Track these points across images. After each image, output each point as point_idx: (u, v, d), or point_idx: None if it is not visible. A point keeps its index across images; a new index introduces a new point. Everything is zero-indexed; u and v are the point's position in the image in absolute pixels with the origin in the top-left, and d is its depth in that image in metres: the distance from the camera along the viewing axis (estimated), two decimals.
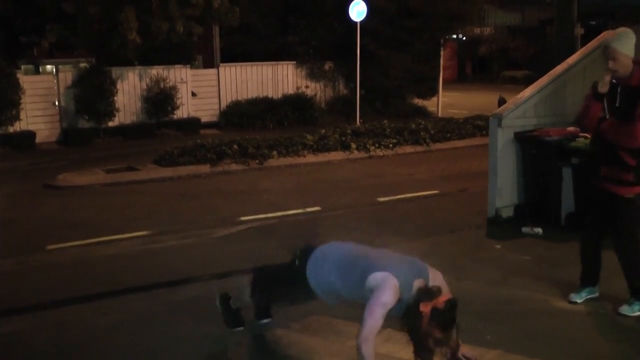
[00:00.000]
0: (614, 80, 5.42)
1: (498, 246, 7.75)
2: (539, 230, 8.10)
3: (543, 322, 5.54)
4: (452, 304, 4.17)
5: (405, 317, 4.24)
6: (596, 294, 5.93)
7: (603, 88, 5.41)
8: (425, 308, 4.11)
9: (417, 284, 4.31)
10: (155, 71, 19.89)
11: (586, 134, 7.71)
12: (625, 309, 5.53)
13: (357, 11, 19.11)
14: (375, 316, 4.16)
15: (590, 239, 5.84)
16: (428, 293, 4.20)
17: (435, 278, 4.49)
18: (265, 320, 5.48)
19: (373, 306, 4.19)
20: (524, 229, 8.17)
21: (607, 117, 5.45)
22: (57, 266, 7.80)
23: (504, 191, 8.52)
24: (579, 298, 5.90)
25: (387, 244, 7.94)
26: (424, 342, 4.16)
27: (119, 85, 19.09)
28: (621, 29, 5.53)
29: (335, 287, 4.61)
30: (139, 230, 9.16)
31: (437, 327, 4.09)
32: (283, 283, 5.00)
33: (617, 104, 5.40)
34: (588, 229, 5.90)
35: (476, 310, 5.75)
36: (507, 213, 8.57)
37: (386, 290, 4.20)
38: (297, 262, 4.84)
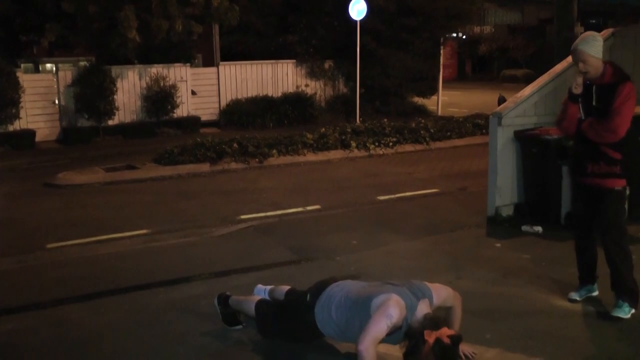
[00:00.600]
0: (587, 82, 5.56)
1: (498, 245, 7.75)
2: (538, 228, 8.10)
3: (543, 321, 5.55)
4: (456, 341, 4.20)
5: (407, 337, 4.26)
6: (596, 292, 5.95)
7: (577, 89, 5.58)
8: (429, 337, 4.14)
9: (423, 306, 4.37)
10: (155, 70, 19.90)
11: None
12: (617, 312, 5.51)
13: (357, 10, 19.10)
14: (380, 325, 4.18)
15: (581, 237, 5.90)
16: (434, 322, 4.23)
17: (439, 294, 4.55)
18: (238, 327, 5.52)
19: (378, 316, 4.22)
20: (524, 228, 8.18)
21: (583, 117, 5.58)
22: (57, 265, 7.81)
23: (504, 190, 8.52)
24: (579, 296, 5.93)
25: (387, 242, 7.97)
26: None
27: (118, 84, 19.11)
28: (588, 33, 5.70)
29: (342, 322, 4.61)
30: (139, 229, 9.17)
31: (436, 359, 4.13)
32: (289, 318, 5.01)
33: (594, 103, 5.54)
34: (577, 228, 5.96)
35: (476, 309, 5.75)
36: (507, 212, 8.58)
37: (391, 306, 4.24)
38: (308, 298, 4.88)
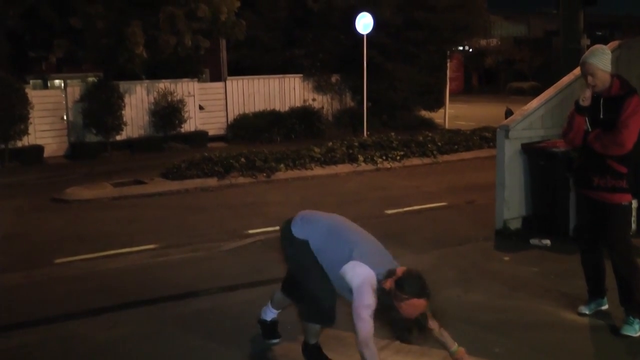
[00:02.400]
0: (595, 94, 5.54)
1: (506, 258, 7.72)
2: (547, 242, 8.08)
3: (552, 335, 5.52)
4: (410, 270, 4.37)
5: (378, 309, 4.33)
6: (605, 306, 5.91)
7: (585, 102, 5.55)
8: (388, 284, 4.27)
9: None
10: (162, 85, 19.99)
11: None
12: (627, 329, 5.46)
13: (364, 24, 19.15)
14: (364, 319, 4.28)
15: (588, 250, 5.86)
16: (388, 273, 4.35)
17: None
18: (275, 340, 5.45)
19: (359, 309, 4.31)
20: (532, 241, 8.16)
21: (590, 130, 5.57)
22: (64, 280, 7.81)
23: (512, 203, 8.50)
24: (588, 310, 5.90)
25: (395, 256, 7.91)
26: (398, 318, 4.27)
27: (126, 99, 19.19)
28: (597, 46, 5.70)
29: (320, 248, 4.70)
30: (147, 244, 9.17)
31: (403, 293, 4.22)
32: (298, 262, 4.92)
33: (601, 116, 5.52)
34: (583, 241, 5.93)
35: (484, 323, 5.74)
36: (515, 225, 8.55)
37: (366, 293, 4.32)
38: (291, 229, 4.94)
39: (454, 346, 4.73)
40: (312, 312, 4.87)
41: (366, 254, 4.53)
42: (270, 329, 5.45)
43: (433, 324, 4.57)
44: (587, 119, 5.59)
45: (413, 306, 4.25)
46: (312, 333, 4.99)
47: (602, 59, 5.46)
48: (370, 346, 4.26)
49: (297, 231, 4.86)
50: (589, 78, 5.49)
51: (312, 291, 4.76)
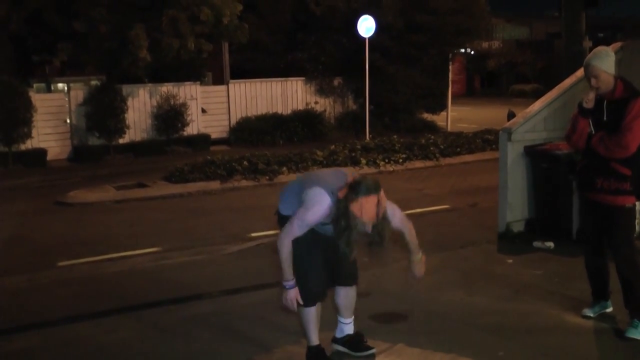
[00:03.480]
0: (598, 96, 5.53)
1: (509, 261, 7.72)
2: (550, 244, 8.07)
3: (556, 338, 5.51)
4: (359, 176, 4.61)
5: (334, 219, 4.50)
6: (610, 309, 5.90)
7: (588, 104, 5.54)
8: (342, 193, 4.47)
9: None
10: (165, 88, 20.00)
11: None
12: (631, 332, 5.43)
13: (366, 27, 19.15)
14: (293, 225, 4.57)
15: (592, 253, 5.85)
16: (341, 186, 4.53)
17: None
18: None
19: (297, 216, 4.57)
20: (535, 244, 8.15)
21: (593, 132, 5.56)
22: (67, 283, 7.82)
23: (515, 205, 8.49)
24: (592, 312, 5.88)
25: (398, 259, 7.91)
26: (358, 227, 4.43)
27: (129, 103, 19.20)
28: (600, 48, 5.69)
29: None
30: (149, 247, 9.18)
31: (354, 195, 4.41)
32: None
33: (604, 118, 5.51)
34: (587, 243, 5.92)
35: (488, 326, 5.73)
36: (518, 227, 8.54)
37: (308, 208, 4.54)
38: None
39: (418, 255, 5.08)
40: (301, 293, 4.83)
41: (319, 178, 4.73)
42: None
43: (403, 228, 4.99)
44: (590, 121, 5.59)
45: (366, 205, 4.41)
46: (309, 328, 4.96)
47: (605, 61, 5.45)
48: (283, 247, 4.58)
49: (282, 209, 4.94)
50: (593, 80, 5.48)
51: (299, 272, 4.76)
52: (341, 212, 4.45)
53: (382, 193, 4.50)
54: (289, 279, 4.66)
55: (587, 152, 5.69)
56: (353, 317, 5.23)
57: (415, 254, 5.08)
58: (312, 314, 4.92)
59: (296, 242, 4.67)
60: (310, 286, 4.80)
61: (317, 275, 4.84)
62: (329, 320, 5.22)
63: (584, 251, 5.98)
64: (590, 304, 5.94)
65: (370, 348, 5.20)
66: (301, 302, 4.76)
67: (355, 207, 4.41)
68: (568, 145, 6.20)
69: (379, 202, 4.47)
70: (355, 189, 4.45)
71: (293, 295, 4.68)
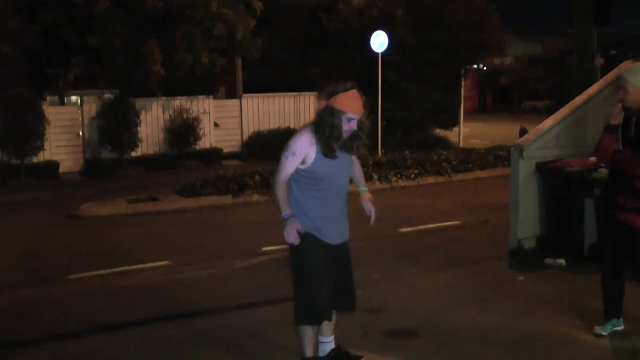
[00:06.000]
0: (629, 113, 5.46)
1: (521, 278, 7.68)
2: (561, 261, 8.03)
3: (566, 355, 5.48)
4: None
5: (319, 123, 4.70)
6: (621, 327, 5.86)
7: (615, 120, 5.49)
8: (321, 104, 4.72)
9: None
10: (178, 102, 20.10)
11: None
12: None
13: (379, 43, 19.21)
14: (281, 160, 4.73)
15: (609, 270, 5.79)
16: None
17: None
18: None
19: (283, 149, 4.75)
20: (547, 261, 8.11)
21: (621, 148, 5.49)
22: (78, 296, 7.84)
23: (526, 222, 8.45)
24: (604, 330, 5.83)
25: (409, 276, 7.94)
26: (338, 120, 4.63)
27: (142, 116, 19.30)
28: (637, 63, 5.64)
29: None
30: (161, 261, 9.19)
31: (335, 92, 4.66)
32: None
33: (631, 134, 5.45)
34: (605, 261, 5.85)
35: (499, 342, 5.70)
36: (530, 244, 8.50)
37: (292, 141, 4.72)
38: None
39: (364, 188, 5.25)
40: (303, 311, 4.87)
41: None
42: None
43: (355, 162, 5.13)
44: (619, 136, 5.50)
45: (348, 98, 4.64)
46: (305, 341, 4.98)
47: (638, 76, 5.40)
48: (277, 186, 4.75)
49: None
50: (621, 92, 5.42)
51: (310, 289, 4.79)
52: (326, 115, 4.63)
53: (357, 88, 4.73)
54: (286, 210, 4.73)
55: (612, 169, 5.64)
56: (334, 334, 5.21)
57: (363, 186, 5.31)
58: (311, 330, 4.97)
59: (310, 262, 4.74)
60: (320, 305, 4.81)
61: (326, 296, 4.83)
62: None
63: (602, 269, 5.90)
64: (601, 322, 5.89)
65: (359, 357, 5.21)
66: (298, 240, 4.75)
67: (338, 104, 4.62)
68: (595, 160, 6.10)
69: (360, 94, 4.70)
70: (331, 91, 4.68)
71: (292, 225, 4.70)
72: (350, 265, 5.08)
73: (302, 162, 4.70)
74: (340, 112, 4.61)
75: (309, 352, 5.03)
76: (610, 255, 5.77)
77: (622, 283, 5.77)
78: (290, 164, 4.70)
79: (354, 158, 5.09)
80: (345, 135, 4.69)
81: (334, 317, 5.11)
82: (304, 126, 4.79)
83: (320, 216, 4.80)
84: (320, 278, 4.79)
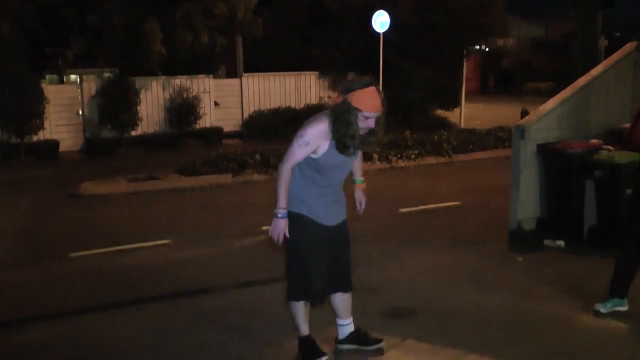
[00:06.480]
0: None
1: (520, 259, 7.70)
2: (561, 243, 8.04)
3: (564, 336, 5.49)
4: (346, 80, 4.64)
5: (335, 120, 4.53)
6: (625, 307, 5.83)
7: None
8: (339, 99, 4.55)
9: None
10: (178, 81, 20.03)
11: (609, 147, 7.69)
12: None
13: (380, 22, 19.11)
14: (293, 146, 4.61)
15: (630, 249, 5.75)
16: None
17: None
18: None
19: (296, 136, 4.63)
20: (546, 242, 8.12)
21: None
22: (79, 274, 7.86)
23: (526, 203, 8.45)
24: (604, 308, 5.81)
25: (409, 257, 7.94)
26: (354, 118, 4.48)
27: (142, 96, 19.25)
28: None
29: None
30: (161, 239, 9.20)
31: (353, 89, 4.51)
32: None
33: None
34: (631, 238, 5.79)
35: (497, 323, 5.72)
36: (529, 225, 8.50)
37: (307, 127, 4.61)
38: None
39: (361, 179, 5.16)
40: (296, 289, 4.89)
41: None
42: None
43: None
44: None
45: (367, 96, 4.48)
46: (298, 319, 4.99)
47: None
48: (282, 173, 4.61)
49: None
50: None
51: (303, 269, 4.81)
52: (343, 111, 4.50)
53: (377, 85, 4.57)
54: (282, 207, 4.65)
55: None
56: (351, 317, 5.22)
57: (358, 175, 5.21)
58: (301, 305, 4.95)
59: (305, 241, 4.73)
60: (313, 284, 4.82)
61: (320, 275, 4.84)
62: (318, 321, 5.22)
63: (624, 245, 5.85)
64: (603, 300, 5.87)
65: (379, 340, 5.20)
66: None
67: (355, 101, 4.48)
68: (589, 144, 6.08)
69: (378, 91, 4.55)
70: (350, 86, 4.54)
71: (282, 226, 4.66)
72: (349, 246, 5.07)
73: (313, 152, 4.63)
74: (358, 110, 4.48)
75: (304, 330, 5.03)
76: (633, 239, 5.75)
77: (637, 266, 5.77)
78: (301, 153, 4.61)
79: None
80: (362, 132, 4.57)
81: (348, 298, 5.12)
82: (322, 114, 4.65)
83: (317, 202, 4.78)
84: (314, 257, 4.79)
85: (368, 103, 4.48)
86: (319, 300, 4.96)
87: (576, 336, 5.51)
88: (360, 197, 5.16)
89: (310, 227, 4.75)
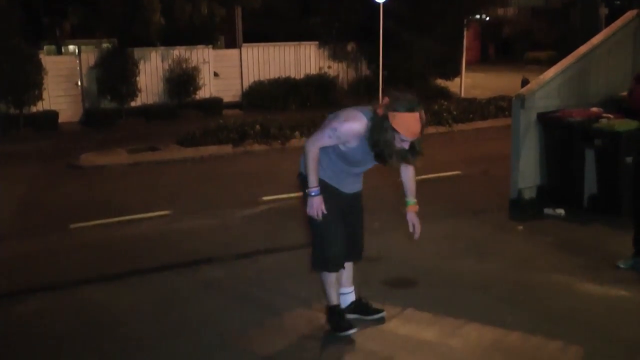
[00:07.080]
0: None
1: (520, 228, 7.70)
2: (561, 211, 8.05)
3: (565, 304, 5.51)
4: (396, 92, 4.61)
5: (371, 134, 4.51)
6: None
7: None
8: (380, 111, 4.48)
9: None
10: (177, 52, 19.91)
11: (609, 115, 7.68)
12: None
13: None
14: (324, 133, 4.64)
15: None
16: (376, 106, 4.60)
17: None
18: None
19: (330, 125, 4.63)
20: (546, 211, 8.13)
21: None
22: (79, 245, 7.87)
23: (526, 172, 8.45)
24: (625, 264, 6.01)
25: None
26: (393, 144, 4.47)
27: (141, 66, 19.15)
28: None
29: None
30: (161, 210, 9.21)
31: (397, 109, 4.43)
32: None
33: None
34: None
35: (497, 292, 5.74)
36: (530, 194, 8.51)
37: (347, 121, 4.60)
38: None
39: (413, 200, 5.12)
40: (317, 259, 4.91)
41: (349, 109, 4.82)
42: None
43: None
44: None
45: (408, 121, 4.42)
46: (328, 288, 5.00)
47: None
48: (310, 153, 4.65)
49: (304, 168, 4.91)
50: None
51: (323, 239, 4.83)
52: (381, 128, 4.44)
53: (421, 109, 4.49)
54: (314, 186, 4.69)
55: None
56: (353, 285, 5.24)
57: (410, 197, 5.16)
58: (332, 276, 4.97)
59: (328, 210, 4.73)
60: (333, 253, 4.83)
61: (340, 244, 4.86)
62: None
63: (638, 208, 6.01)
64: (628, 257, 6.04)
65: (380, 310, 5.23)
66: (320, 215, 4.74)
67: (396, 123, 4.42)
68: (589, 112, 6.09)
69: (421, 118, 4.48)
70: (395, 104, 4.45)
71: (318, 203, 4.70)
72: (362, 215, 5.12)
73: (342, 143, 4.66)
74: (396, 132, 4.44)
75: (334, 300, 5.04)
76: None
77: None
78: (329, 142, 4.65)
79: (411, 167, 5.02)
80: (396, 147, 4.53)
81: (350, 267, 5.15)
82: (363, 113, 4.62)
83: (339, 178, 4.85)
84: (333, 226, 4.82)
85: (408, 128, 4.44)
86: (337, 266, 4.96)
87: (577, 303, 5.53)
88: (413, 219, 5.11)
89: (330, 194, 4.78)
